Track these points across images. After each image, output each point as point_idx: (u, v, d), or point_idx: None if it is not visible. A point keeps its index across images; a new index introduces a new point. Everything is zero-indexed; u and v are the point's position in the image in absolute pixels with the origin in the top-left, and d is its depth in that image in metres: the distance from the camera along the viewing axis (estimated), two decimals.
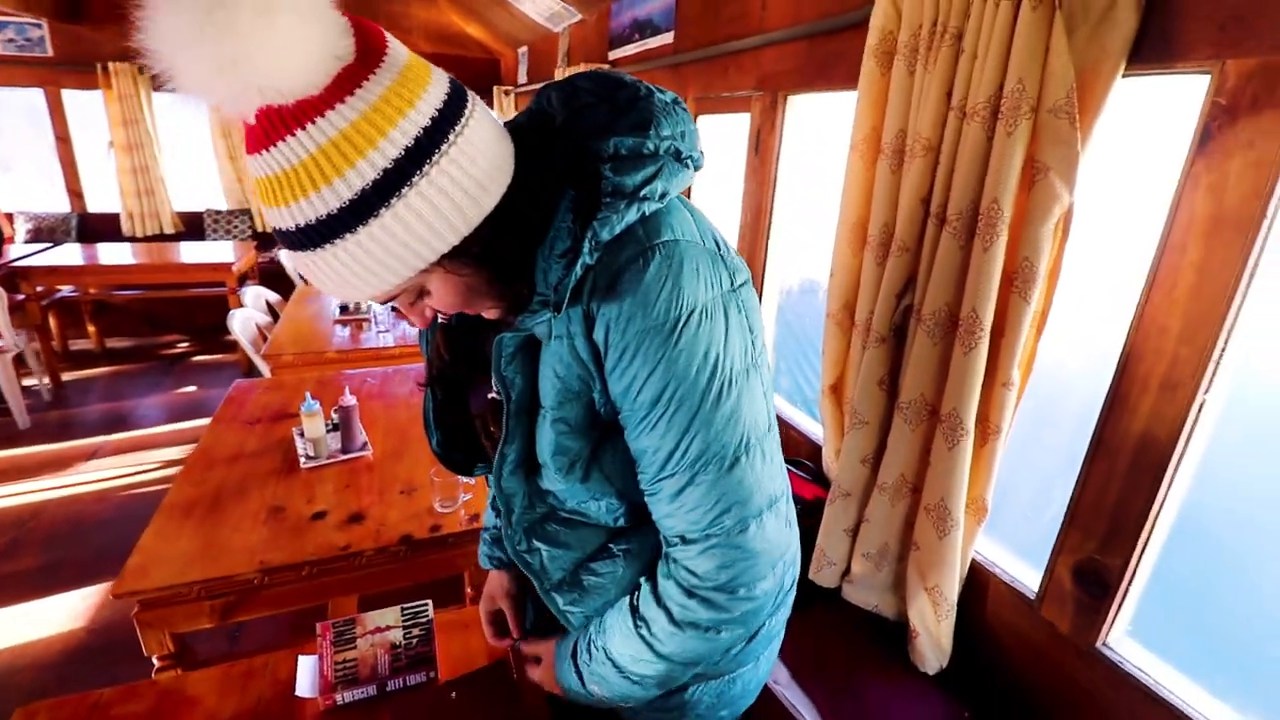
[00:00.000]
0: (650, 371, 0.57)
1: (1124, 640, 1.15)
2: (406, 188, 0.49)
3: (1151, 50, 0.97)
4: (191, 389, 4.13)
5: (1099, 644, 1.15)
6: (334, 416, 1.87)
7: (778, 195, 2.01)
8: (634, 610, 0.69)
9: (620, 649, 0.70)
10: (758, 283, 2.14)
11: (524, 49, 4.68)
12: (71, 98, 4.76)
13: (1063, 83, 1.00)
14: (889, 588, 1.48)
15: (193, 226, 5.28)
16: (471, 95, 0.56)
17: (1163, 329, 1.00)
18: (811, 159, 1.99)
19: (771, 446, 0.65)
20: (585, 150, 0.59)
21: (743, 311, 0.61)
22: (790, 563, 0.69)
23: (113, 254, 4.38)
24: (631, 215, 0.57)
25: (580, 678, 0.75)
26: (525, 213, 0.58)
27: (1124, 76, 0.99)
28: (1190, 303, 0.97)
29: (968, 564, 1.34)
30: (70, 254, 4.30)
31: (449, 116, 0.52)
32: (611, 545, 0.72)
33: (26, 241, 4.78)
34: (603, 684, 0.73)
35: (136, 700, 1.01)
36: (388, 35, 0.52)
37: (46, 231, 4.87)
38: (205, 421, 3.73)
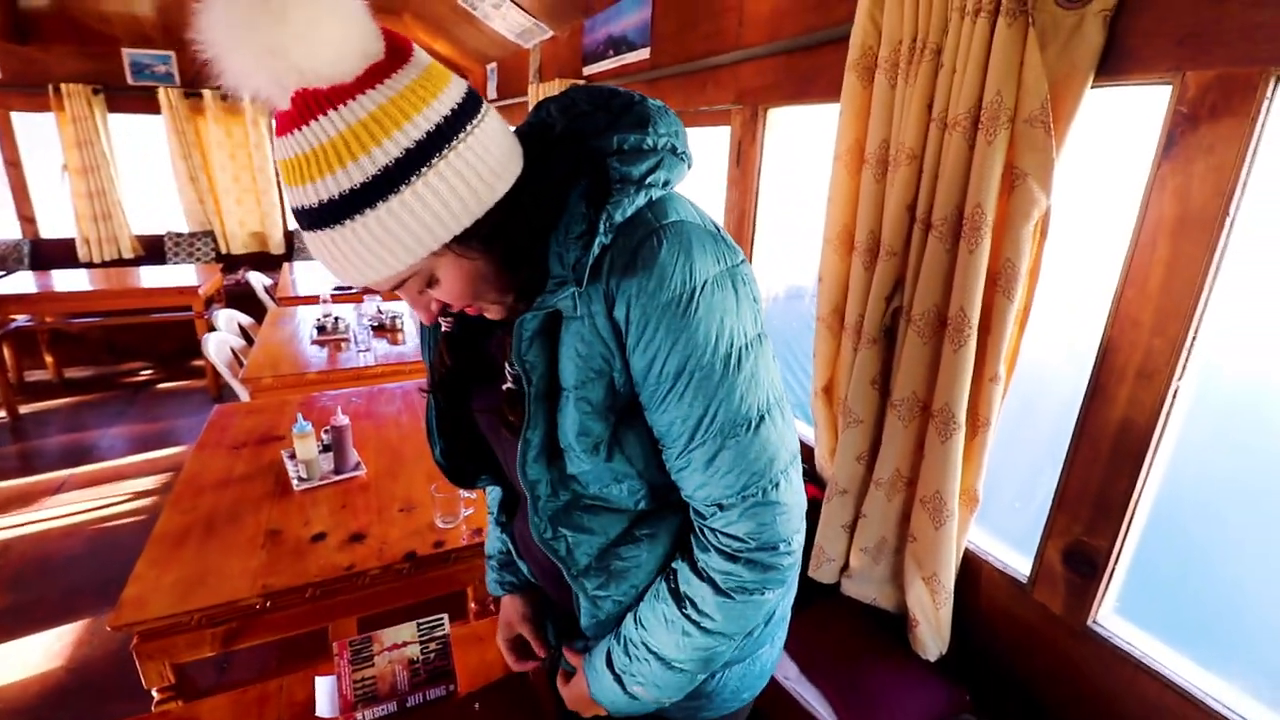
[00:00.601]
0: (673, 342, 0.60)
1: (1113, 617, 1.21)
2: (426, 168, 0.54)
3: (1117, 63, 1.05)
4: (157, 417, 4.00)
5: (1090, 622, 1.21)
6: (324, 437, 1.85)
7: (760, 205, 2.07)
8: (674, 593, 0.71)
9: (664, 639, 0.71)
10: None
11: (493, 65, 4.70)
12: (21, 120, 4.60)
13: (1037, 94, 1.07)
14: (887, 580, 1.53)
15: (153, 250, 5.13)
16: (485, 101, 0.61)
17: (1136, 322, 1.08)
18: (793, 168, 2.05)
19: (786, 408, 0.69)
20: (589, 148, 0.64)
21: (747, 284, 0.66)
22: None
23: (69, 281, 4.23)
24: (640, 200, 0.62)
25: (621, 684, 0.75)
26: (534, 203, 0.63)
27: (1093, 87, 1.07)
28: (1161, 297, 1.04)
29: (962, 553, 1.40)
30: (23, 282, 4.13)
31: (467, 110, 0.57)
32: (634, 530, 0.73)
33: None
34: (647, 683, 0.73)
35: None
36: (414, 44, 0.58)
37: None
38: (175, 450, 3.64)
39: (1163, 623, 1.17)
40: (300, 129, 0.52)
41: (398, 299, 4.06)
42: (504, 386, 0.72)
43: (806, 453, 1.91)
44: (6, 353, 4.15)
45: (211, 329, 3.23)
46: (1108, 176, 1.34)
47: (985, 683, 1.40)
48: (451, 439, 0.86)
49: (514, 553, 0.96)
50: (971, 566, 1.43)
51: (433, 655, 1.12)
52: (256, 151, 5.17)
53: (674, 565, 0.73)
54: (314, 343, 3.02)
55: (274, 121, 0.57)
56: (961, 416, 1.27)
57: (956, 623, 1.42)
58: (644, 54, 2.54)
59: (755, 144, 2.00)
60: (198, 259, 5.18)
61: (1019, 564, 1.37)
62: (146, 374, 4.72)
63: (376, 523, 1.58)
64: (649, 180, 0.62)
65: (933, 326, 1.30)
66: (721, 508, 0.66)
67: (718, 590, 0.68)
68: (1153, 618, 1.18)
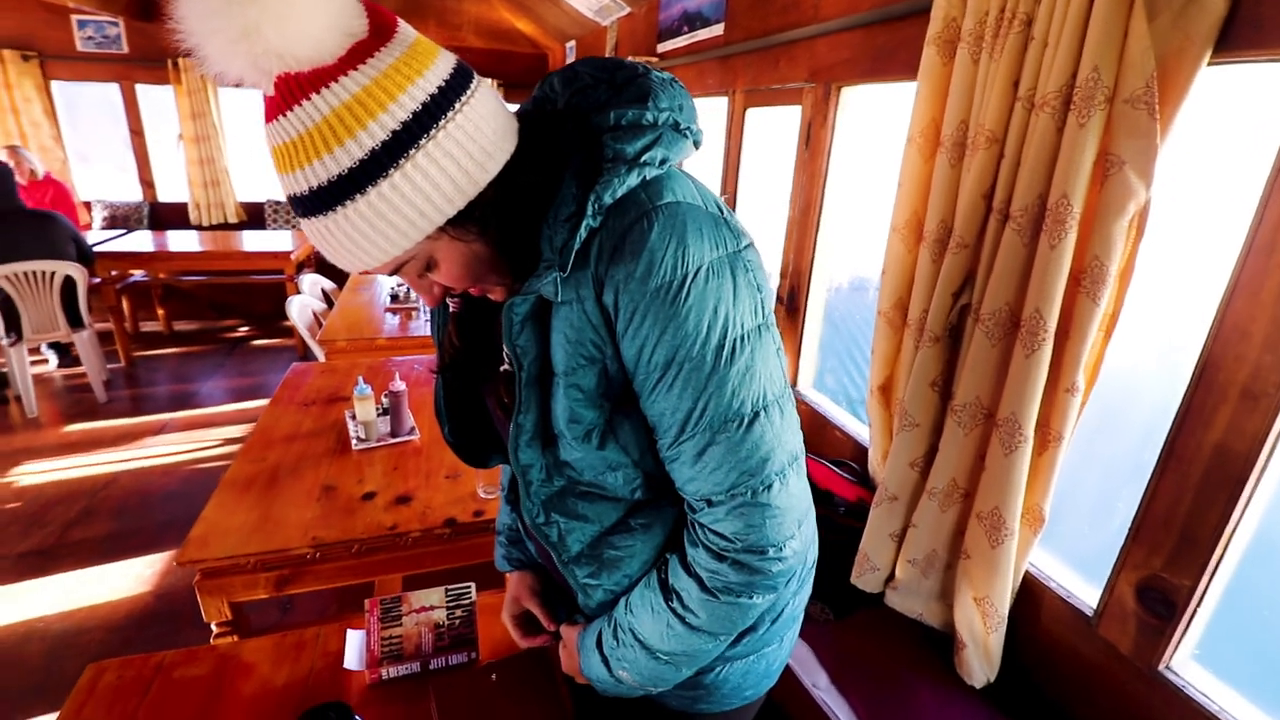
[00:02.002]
0: (661, 332, 0.58)
1: (1189, 664, 1.09)
2: (414, 149, 0.52)
3: (1242, 36, 0.91)
4: (250, 371, 4.31)
5: (1161, 667, 1.09)
6: (384, 401, 1.92)
7: (828, 190, 1.97)
8: (663, 584, 0.69)
9: (649, 627, 0.69)
10: (805, 280, 2.10)
11: (572, 43, 4.71)
12: (144, 92, 5.01)
13: (1142, 71, 0.94)
14: (935, 596, 1.44)
15: (255, 216, 5.50)
16: (475, 75, 0.59)
17: (1245, 334, 0.94)
18: (864, 153, 1.94)
19: (788, 405, 0.65)
20: (587, 124, 0.62)
21: (749, 271, 0.62)
22: (811, 539, 0.69)
23: (181, 241, 4.61)
24: (632, 180, 0.58)
25: (606, 665, 0.75)
26: (529, 181, 0.61)
27: (1210, 65, 0.93)
28: (1277, 307, 0.90)
29: (1021, 576, 1.29)
30: (142, 241, 4.54)
31: (455, 88, 0.55)
32: (629, 519, 0.72)
33: (102, 229, 5.07)
34: (631, 668, 0.72)
35: (197, 664, 1.06)
36: (399, 19, 0.55)
37: (121, 219, 5.15)
38: (263, 402, 3.91)
39: (1249, 677, 1.04)
40: (284, 115, 0.51)
41: None
42: (501, 369, 0.71)
43: (859, 454, 1.82)
44: (125, 305, 4.58)
45: (298, 292, 3.43)
46: (1221, 167, 1.18)
47: (1034, 718, 1.30)
48: (461, 418, 0.86)
49: (521, 530, 0.96)
50: (1031, 592, 1.32)
51: (458, 621, 1.15)
52: None
53: (667, 555, 0.71)
54: (387, 310, 3.15)
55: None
56: (1029, 428, 1.16)
57: (1008, 650, 1.31)
58: (718, 30, 2.45)
59: (826, 125, 1.89)
60: (294, 226, 5.51)
61: (1086, 594, 1.26)
62: (243, 330, 5.11)
63: (423, 487, 1.63)
64: (644, 158, 0.59)
65: (1003, 327, 1.19)
66: (710, 503, 0.64)
67: (703, 588, 0.66)
68: (1238, 670, 1.05)
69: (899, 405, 1.44)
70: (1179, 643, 1.08)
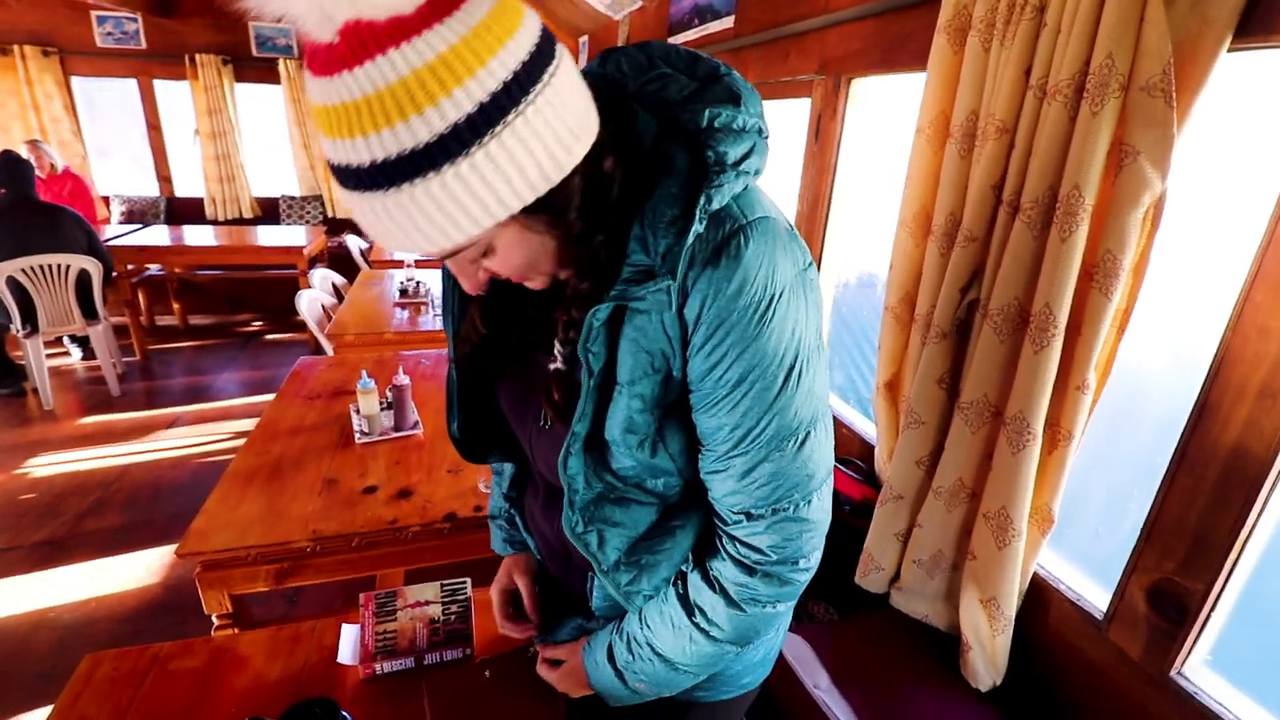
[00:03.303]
0: (742, 350, 0.56)
1: (1201, 670, 1.06)
2: (501, 125, 0.45)
3: (1263, 21, 0.87)
4: (263, 365, 4.35)
5: (1173, 673, 1.06)
6: (388, 395, 1.92)
7: (837, 184, 1.94)
8: (683, 600, 0.68)
9: (670, 643, 0.69)
10: None
11: (584, 38, 4.69)
12: (161, 88, 5.07)
13: (1158, 58, 0.91)
14: (941, 597, 1.41)
15: (269, 211, 5.55)
16: (558, 42, 0.52)
17: (1264, 331, 0.91)
18: (874, 146, 1.90)
19: (830, 421, 0.65)
20: (674, 119, 0.57)
21: (814, 290, 0.61)
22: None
23: (196, 236, 4.66)
24: (738, 187, 0.55)
25: (622, 679, 0.74)
26: (618, 174, 0.56)
27: (1229, 51, 0.90)
28: None
29: (1029, 577, 1.26)
30: (158, 235, 4.60)
31: (544, 55, 0.48)
32: (666, 521, 0.70)
33: (120, 223, 5.13)
34: (649, 680, 0.72)
35: (192, 656, 1.06)
36: None
37: (138, 214, 5.22)
38: (274, 396, 3.94)
39: (1264, 683, 1.00)
40: (352, 70, 0.43)
41: None
42: (551, 366, 0.66)
43: (866, 451, 1.79)
44: (141, 298, 4.63)
45: (308, 286, 3.45)
46: (1241, 156, 1.14)
47: None
48: (468, 413, 0.83)
49: (520, 528, 0.95)
50: (1039, 594, 1.29)
51: (453, 617, 1.14)
52: None
53: (684, 569, 0.70)
54: (396, 304, 3.16)
55: (305, 58, 0.47)
56: (1038, 426, 1.13)
57: (1015, 653, 1.28)
58: (728, 22, 2.43)
59: (836, 118, 1.86)
60: (308, 221, 5.55)
61: (1095, 597, 1.22)
62: (257, 325, 5.15)
63: (425, 481, 1.63)
64: (744, 166, 0.56)
65: (1012, 323, 1.16)
66: (749, 517, 0.63)
67: (730, 602, 0.66)
68: (1253, 676, 1.01)
69: (905, 402, 1.42)
70: (1192, 648, 1.04)
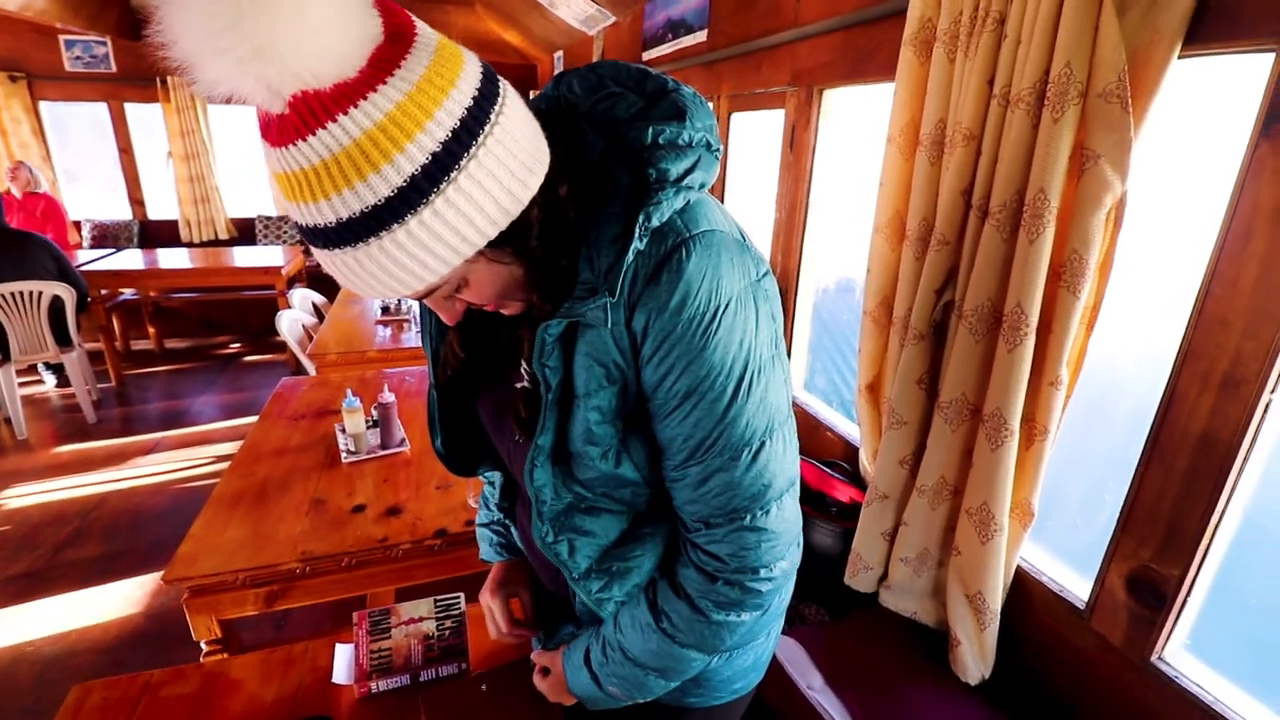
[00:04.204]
0: (688, 362, 0.57)
1: (1181, 654, 1.09)
2: (455, 170, 0.47)
3: (1211, 29, 0.92)
4: (242, 387, 4.29)
5: (1154, 658, 1.09)
6: (374, 413, 1.91)
7: (813, 192, 1.98)
8: (651, 605, 0.70)
9: (639, 646, 0.70)
10: (793, 281, 2.11)
11: (559, 53, 4.73)
12: (133, 110, 5.01)
13: (1114, 66, 0.95)
14: (928, 594, 1.43)
15: (245, 232, 5.49)
16: (501, 79, 0.54)
17: (1224, 323, 0.95)
18: (847, 154, 1.95)
19: (790, 432, 0.65)
20: (620, 137, 0.59)
21: (769, 301, 0.62)
22: (799, 543, 0.70)
23: (171, 259, 4.59)
24: (678, 203, 0.57)
25: (596, 681, 0.75)
26: (567, 198, 0.57)
27: (1180, 57, 0.94)
28: (1254, 295, 0.91)
29: (1012, 571, 1.29)
30: (132, 259, 4.52)
31: (488, 95, 0.50)
32: (636, 530, 0.71)
33: (91, 247, 5.05)
34: (622, 683, 0.73)
35: (183, 682, 1.04)
36: (412, 15, 0.50)
37: (110, 238, 5.14)
38: (255, 419, 3.89)
39: (1240, 665, 1.04)
40: (305, 139, 0.45)
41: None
42: (518, 385, 0.69)
43: (850, 453, 1.82)
44: (115, 323, 4.55)
45: (288, 307, 3.42)
46: (1195, 158, 1.19)
47: (1030, 713, 1.29)
48: (452, 429, 0.85)
49: (515, 538, 0.96)
50: (1023, 586, 1.32)
51: (448, 633, 1.14)
52: None
53: (655, 576, 0.72)
54: (378, 322, 3.14)
55: (260, 128, 0.48)
56: (1015, 423, 1.16)
57: (1002, 646, 1.31)
58: (701, 36, 2.47)
59: (810, 128, 1.90)
60: (285, 241, 5.51)
61: (1077, 588, 1.25)
62: (235, 347, 5.08)
63: (414, 498, 1.63)
64: (687, 181, 0.57)
65: (986, 323, 1.20)
66: (707, 525, 0.64)
67: (694, 608, 0.66)
68: (1229, 658, 1.05)
69: (887, 404, 1.45)
70: (1170, 633, 1.08)
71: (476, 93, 0.49)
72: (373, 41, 0.45)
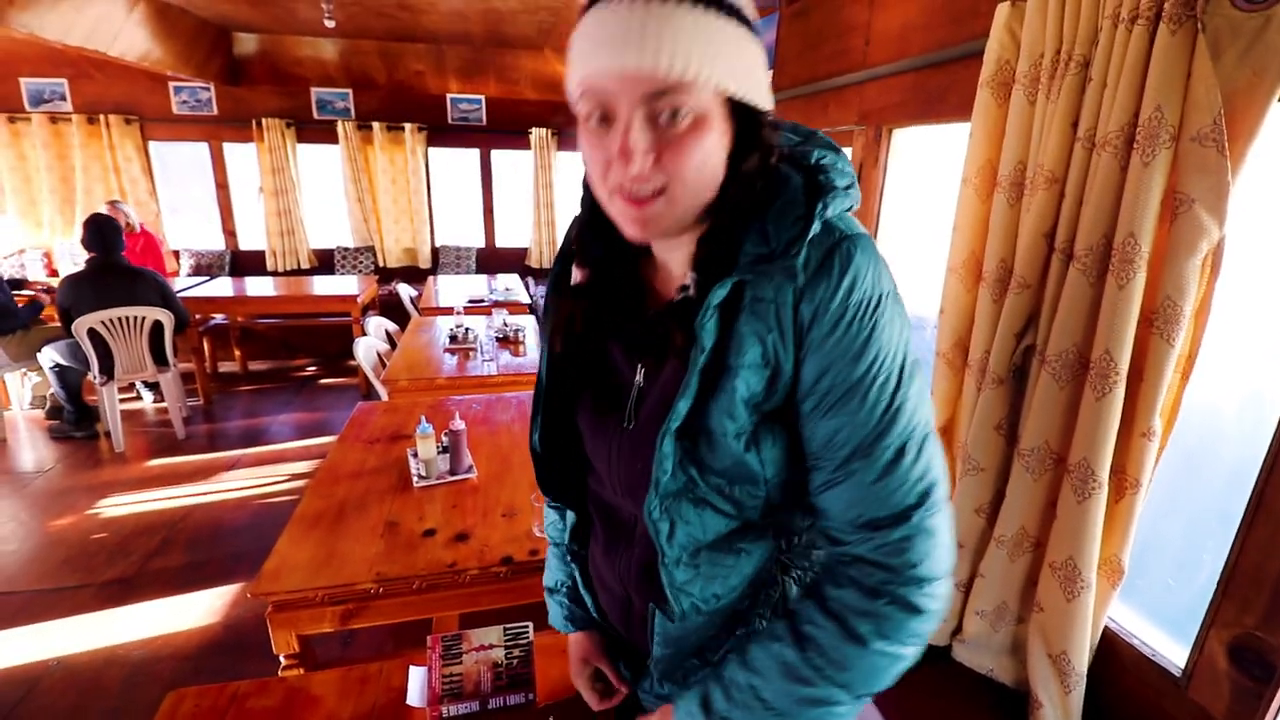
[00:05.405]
0: (862, 345, 0.61)
1: None
2: (752, 30, 0.60)
3: None
4: (316, 408, 4.51)
5: None
6: (444, 439, 1.98)
7: (881, 230, 1.97)
8: (796, 635, 0.65)
9: (778, 686, 0.65)
10: None
11: None
12: (229, 149, 5.44)
13: (1208, 109, 0.93)
14: (1007, 651, 1.37)
15: (325, 262, 5.83)
16: None
17: None
18: (918, 192, 1.94)
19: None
20: (789, 152, 0.67)
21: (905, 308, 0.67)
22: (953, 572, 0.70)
23: (258, 286, 4.92)
24: (846, 204, 0.64)
25: None
26: (756, 169, 0.63)
27: None
28: None
29: (1100, 631, 1.22)
30: (223, 286, 4.87)
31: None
32: (735, 540, 0.71)
33: (189, 275, 5.46)
34: None
35: (268, 695, 1.10)
36: None
37: (205, 267, 5.54)
38: (328, 439, 4.08)
39: None
40: None
41: (524, 310, 4.30)
42: (678, 297, 0.69)
43: None
44: (206, 346, 4.88)
45: (363, 334, 3.60)
46: None
47: None
48: (549, 429, 0.83)
49: (579, 584, 0.94)
50: (1111, 649, 1.24)
51: (516, 661, 1.16)
52: (414, 176, 5.73)
53: (795, 607, 0.68)
54: (446, 350, 3.27)
55: None
56: (1104, 474, 1.11)
57: (1088, 712, 1.23)
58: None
59: (878, 166, 1.90)
60: (360, 271, 5.81)
61: (1172, 653, 1.17)
62: (311, 370, 5.36)
63: (481, 525, 1.67)
64: (850, 191, 0.65)
65: (1071, 369, 1.16)
66: (875, 527, 0.62)
67: (850, 635, 0.62)
68: None
69: (961, 449, 1.40)
70: None
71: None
72: None
